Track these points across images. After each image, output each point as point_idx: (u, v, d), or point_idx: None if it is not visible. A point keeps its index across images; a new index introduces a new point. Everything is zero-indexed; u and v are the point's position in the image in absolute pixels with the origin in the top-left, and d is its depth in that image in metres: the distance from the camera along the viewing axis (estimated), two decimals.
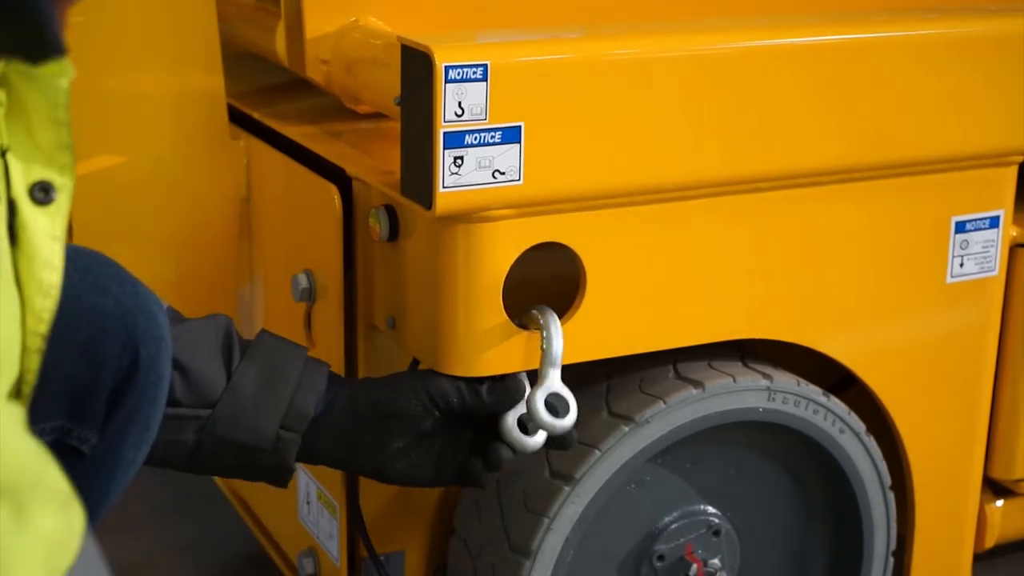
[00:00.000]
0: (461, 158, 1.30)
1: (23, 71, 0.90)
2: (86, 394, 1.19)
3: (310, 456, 1.40)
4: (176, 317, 1.36)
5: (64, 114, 0.93)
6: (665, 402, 1.51)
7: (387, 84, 1.44)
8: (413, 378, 1.40)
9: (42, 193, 0.92)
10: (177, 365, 1.31)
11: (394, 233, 1.45)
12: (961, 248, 1.65)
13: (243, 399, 1.35)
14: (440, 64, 1.27)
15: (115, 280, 1.21)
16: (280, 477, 1.39)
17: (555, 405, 1.38)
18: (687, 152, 1.43)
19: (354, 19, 1.63)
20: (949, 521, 1.80)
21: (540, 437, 1.39)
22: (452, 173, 1.30)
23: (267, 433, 1.35)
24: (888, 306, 1.63)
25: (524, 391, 1.39)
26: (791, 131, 1.48)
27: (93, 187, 1.64)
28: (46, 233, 0.92)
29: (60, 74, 0.88)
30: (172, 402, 1.31)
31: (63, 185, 0.93)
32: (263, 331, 1.41)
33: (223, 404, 1.34)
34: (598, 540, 1.57)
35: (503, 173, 1.33)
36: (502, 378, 1.39)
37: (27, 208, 0.92)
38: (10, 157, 0.91)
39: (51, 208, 0.93)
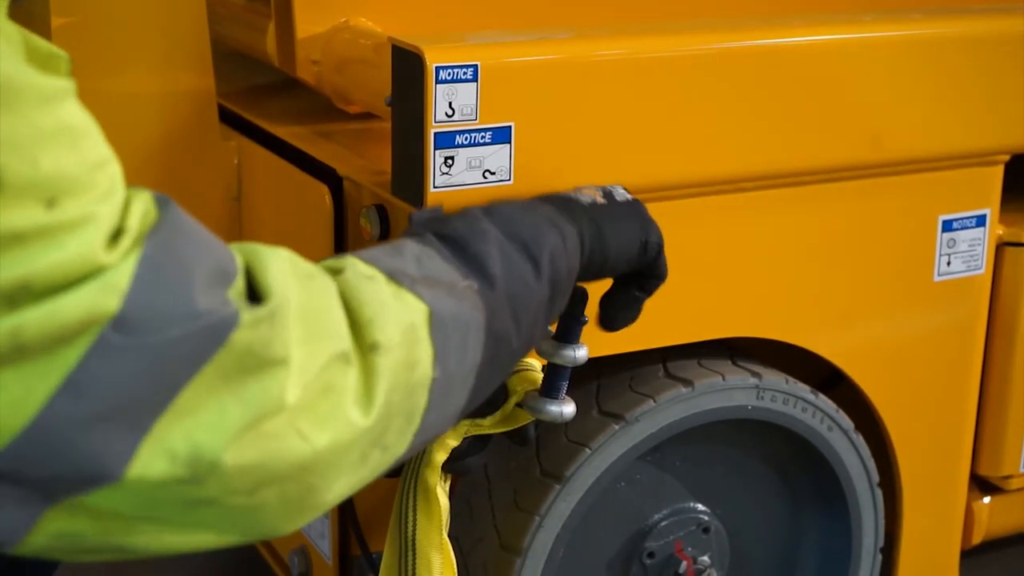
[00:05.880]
0: (452, 158, 1.31)
1: None
2: None
3: None
4: None
5: None
6: (655, 400, 1.51)
7: (378, 84, 1.44)
8: None
9: None
10: None
11: (385, 233, 1.45)
12: (948, 247, 1.66)
13: None
14: (431, 65, 1.28)
15: None
16: None
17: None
18: (675, 152, 1.44)
19: (344, 19, 1.63)
20: (937, 518, 1.81)
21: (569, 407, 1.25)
22: (443, 173, 1.31)
23: None
24: (876, 304, 1.64)
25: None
26: (779, 130, 1.49)
27: None
28: None
29: None
30: None
31: None
32: None
33: None
34: (588, 538, 1.58)
35: (493, 173, 1.33)
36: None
37: None
38: None
39: None
